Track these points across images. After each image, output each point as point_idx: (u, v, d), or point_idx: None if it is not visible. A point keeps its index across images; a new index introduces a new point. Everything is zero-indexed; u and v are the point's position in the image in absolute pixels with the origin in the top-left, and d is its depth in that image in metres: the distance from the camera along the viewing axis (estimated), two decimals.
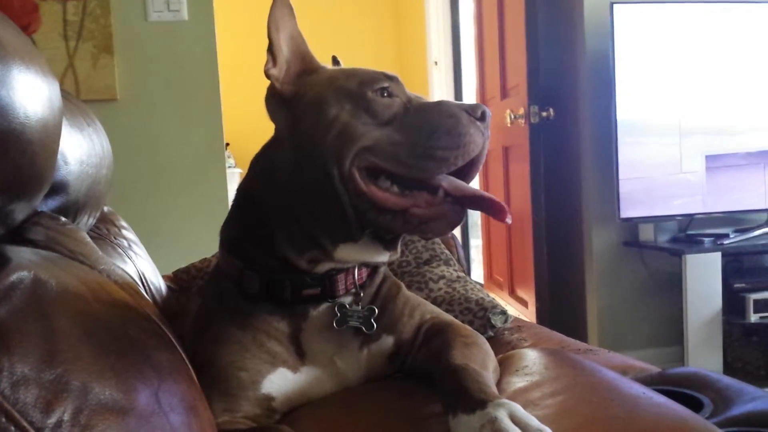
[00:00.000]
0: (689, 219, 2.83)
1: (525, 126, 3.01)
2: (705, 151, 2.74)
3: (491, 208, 0.83)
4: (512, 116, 3.10)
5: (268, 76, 0.91)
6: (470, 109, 0.85)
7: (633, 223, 2.83)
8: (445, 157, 0.82)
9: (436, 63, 4.84)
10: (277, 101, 0.92)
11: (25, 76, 0.56)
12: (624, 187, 2.71)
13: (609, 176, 2.76)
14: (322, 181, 0.84)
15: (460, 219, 0.85)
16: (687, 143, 2.73)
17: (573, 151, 3.08)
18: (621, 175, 2.71)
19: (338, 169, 0.83)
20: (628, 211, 2.72)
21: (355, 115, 0.85)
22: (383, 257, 0.92)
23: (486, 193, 0.85)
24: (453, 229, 0.87)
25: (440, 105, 0.87)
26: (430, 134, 0.82)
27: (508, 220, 0.82)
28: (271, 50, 0.91)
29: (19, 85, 0.54)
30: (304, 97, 0.89)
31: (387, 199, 0.83)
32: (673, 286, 2.79)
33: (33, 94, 0.56)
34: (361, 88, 0.87)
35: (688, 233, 2.84)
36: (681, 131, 2.73)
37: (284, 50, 0.92)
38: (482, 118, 0.85)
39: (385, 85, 0.87)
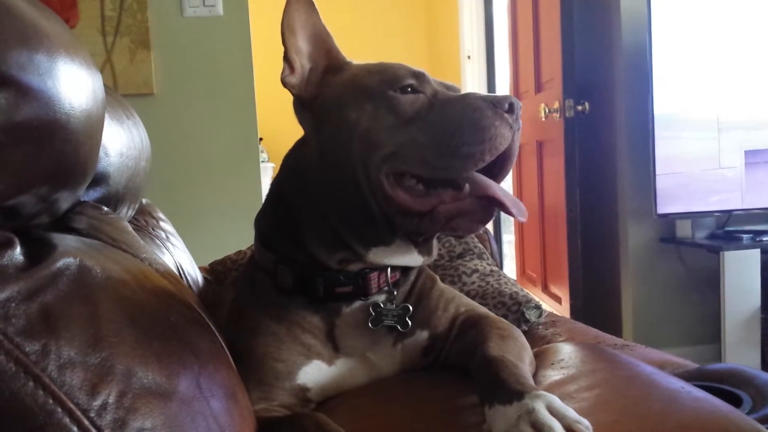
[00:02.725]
0: (727, 215, 2.78)
1: (560, 120, 2.98)
2: (744, 146, 2.69)
3: (506, 212, 0.82)
4: (547, 110, 3.07)
5: (284, 84, 0.89)
6: (496, 101, 0.81)
7: (670, 219, 2.78)
8: (471, 153, 0.78)
9: (469, 57, 4.80)
10: (300, 105, 0.92)
11: (69, 68, 0.57)
12: (661, 183, 2.67)
13: (645, 171, 2.73)
14: (349, 186, 0.83)
15: (490, 215, 0.82)
16: (725, 138, 2.68)
17: (609, 145, 3.05)
18: (658, 170, 2.66)
19: (366, 176, 0.82)
20: (665, 206, 2.68)
21: (376, 116, 0.83)
22: (416, 260, 0.91)
23: (502, 197, 0.81)
24: (483, 225, 0.85)
25: (465, 99, 0.83)
26: (453, 131, 0.79)
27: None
28: (286, 57, 0.89)
29: (64, 76, 0.55)
30: (325, 99, 0.88)
31: (413, 203, 0.81)
32: (710, 283, 2.74)
33: (77, 85, 0.57)
34: (382, 86, 0.84)
35: (726, 230, 2.79)
36: (719, 126, 2.68)
37: (304, 51, 0.90)
38: (510, 109, 0.80)
39: (409, 82, 0.85)
